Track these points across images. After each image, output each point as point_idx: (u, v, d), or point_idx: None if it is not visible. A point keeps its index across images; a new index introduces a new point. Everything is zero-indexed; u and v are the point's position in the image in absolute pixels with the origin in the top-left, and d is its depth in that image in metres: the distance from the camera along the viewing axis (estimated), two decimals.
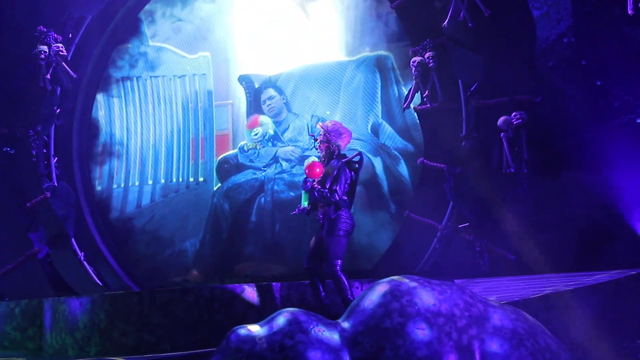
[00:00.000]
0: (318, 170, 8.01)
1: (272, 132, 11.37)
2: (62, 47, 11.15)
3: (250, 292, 8.48)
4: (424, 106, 10.53)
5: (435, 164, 10.41)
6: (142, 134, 12.02)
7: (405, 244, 10.38)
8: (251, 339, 7.22)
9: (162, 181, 11.80)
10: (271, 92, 11.53)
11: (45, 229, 11.12)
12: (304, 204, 8.02)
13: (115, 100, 12.12)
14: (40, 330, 9.07)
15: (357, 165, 8.13)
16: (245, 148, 11.49)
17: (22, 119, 11.33)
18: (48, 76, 11.16)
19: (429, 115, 10.51)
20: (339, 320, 7.42)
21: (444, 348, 7.01)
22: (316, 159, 8.20)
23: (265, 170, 11.38)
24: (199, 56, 11.96)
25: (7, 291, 10.68)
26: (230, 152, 11.67)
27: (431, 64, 10.37)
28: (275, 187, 11.24)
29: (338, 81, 11.22)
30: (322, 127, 8.19)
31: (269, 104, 11.49)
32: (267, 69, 11.64)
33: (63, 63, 11.20)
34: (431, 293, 7.22)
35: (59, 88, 11.29)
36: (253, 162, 11.47)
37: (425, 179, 10.54)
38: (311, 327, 7.22)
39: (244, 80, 11.63)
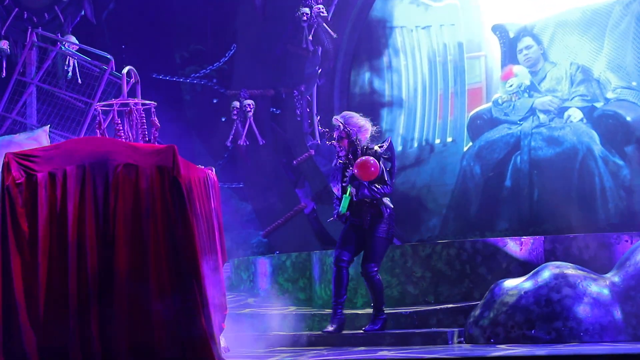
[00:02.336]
0: (373, 169, 7.22)
1: (528, 83, 10.92)
2: (322, 8, 11.43)
3: (512, 246, 8.38)
4: None
5: None
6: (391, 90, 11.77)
7: None
8: (516, 292, 7.16)
9: (399, 147, 11.37)
10: (528, 40, 11.00)
11: (310, 185, 11.58)
12: (344, 209, 7.37)
13: None
14: (310, 281, 9.50)
15: (390, 154, 7.47)
16: (500, 101, 11.03)
17: (287, 80, 11.80)
18: (310, 37, 11.52)
19: None
20: (608, 275, 7.17)
21: None
22: (369, 159, 7.29)
23: (521, 124, 10.82)
24: (446, 5, 11.62)
25: (278, 244, 11.25)
26: (483, 106, 11.25)
27: None
28: (533, 143, 10.65)
29: (602, 25, 10.56)
30: (339, 121, 7.45)
31: (526, 54, 10.99)
32: (522, 17, 11.14)
33: (324, 24, 11.50)
34: None
35: (320, 48, 11.61)
36: (508, 115, 10.98)
37: None
38: (578, 281, 7.04)
39: (498, 29, 11.16)
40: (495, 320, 7.11)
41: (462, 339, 7.40)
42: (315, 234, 11.28)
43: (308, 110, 11.72)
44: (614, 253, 8.00)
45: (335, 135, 7.41)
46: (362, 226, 7.46)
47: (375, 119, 7.97)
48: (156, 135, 6.71)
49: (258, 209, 11.61)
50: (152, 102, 6.83)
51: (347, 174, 7.38)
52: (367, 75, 11.78)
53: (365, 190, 7.35)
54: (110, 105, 6.78)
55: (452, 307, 8.01)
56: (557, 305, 6.93)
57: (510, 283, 7.31)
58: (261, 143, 11.63)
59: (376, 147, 7.45)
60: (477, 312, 7.34)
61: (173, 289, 5.56)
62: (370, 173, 7.19)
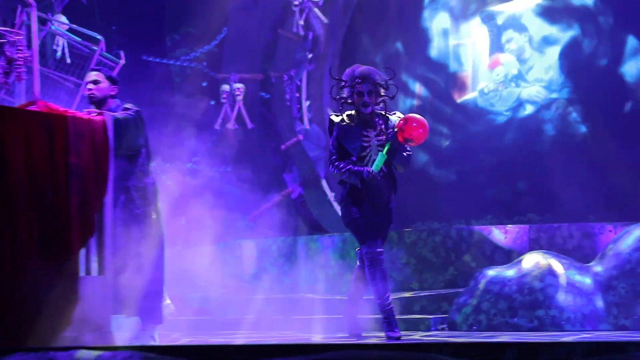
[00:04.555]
0: (422, 130, 6.15)
1: (515, 72, 10.92)
2: None
3: (497, 234, 8.43)
4: None
5: None
6: None
7: None
8: (500, 280, 7.21)
9: None
10: (514, 30, 11.03)
11: (298, 170, 11.60)
12: (378, 167, 6.10)
13: None
14: (295, 266, 9.53)
15: None
16: (486, 90, 11.03)
17: (277, 65, 11.80)
18: (301, 22, 11.53)
19: None
20: (591, 264, 7.22)
21: None
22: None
23: (507, 114, 10.83)
24: None
25: (264, 229, 11.27)
26: (469, 95, 11.26)
27: None
28: (519, 133, 10.67)
29: None
30: (368, 72, 6.26)
31: (512, 42, 10.99)
32: (510, 5, 11.13)
33: (315, 9, 11.50)
34: None
35: (311, 34, 11.61)
36: (494, 105, 10.99)
37: None
38: (561, 270, 7.09)
39: (486, 16, 11.17)
40: (478, 307, 7.17)
41: (446, 325, 7.45)
42: (302, 219, 11.31)
43: (297, 95, 11.72)
44: (597, 243, 8.08)
45: (363, 89, 6.19)
46: (381, 202, 6.22)
47: None
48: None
49: (245, 192, 11.63)
50: None
51: (367, 133, 6.21)
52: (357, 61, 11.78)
53: (406, 153, 6.26)
54: None
55: (435, 293, 8.06)
56: (540, 294, 6.98)
57: (494, 271, 7.36)
58: (250, 127, 11.65)
59: (396, 115, 6.36)
60: (460, 299, 7.39)
61: None
62: (420, 135, 6.15)
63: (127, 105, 6.15)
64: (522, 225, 8.57)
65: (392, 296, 6.30)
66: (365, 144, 6.22)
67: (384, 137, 6.21)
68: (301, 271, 9.36)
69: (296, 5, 11.42)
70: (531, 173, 10.39)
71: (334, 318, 7.72)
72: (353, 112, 6.31)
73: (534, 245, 8.28)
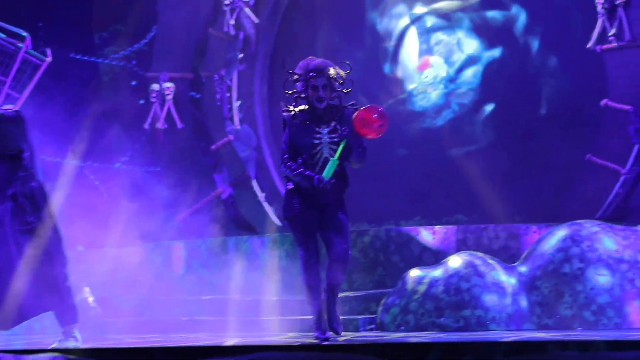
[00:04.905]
0: (382, 123, 5.93)
1: (443, 74, 11.01)
2: None
3: (426, 235, 8.51)
4: (610, 45, 10.09)
5: (619, 105, 9.98)
6: None
7: (585, 189, 10.06)
8: (427, 281, 7.28)
9: None
10: (443, 32, 11.12)
11: (228, 171, 11.54)
12: (328, 174, 5.88)
13: None
14: (225, 266, 9.47)
15: None
16: (415, 92, 11.11)
17: (207, 64, 11.73)
18: (232, 22, 11.48)
19: (616, 55, 10.05)
20: (516, 265, 7.34)
21: (627, 295, 6.81)
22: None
23: (436, 116, 10.93)
24: None
25: (194, 229, 11.18)
26: (399, 97, 11.32)
27: (618, 1, 9.92)
28: (447, 135, 10.80)
29: None
30: (326, 65, 6.05)
31: (440, 44, 11.07)
32: (439, 7, 11.21)
33: (246, 9, 11.47)
34: (613, 238, 7.01)
35: (242, 33, 11.57)
36: (423, 107, 11.06)
37: (608, 121, 10.13)
38: (487, 270, 7.19)
39: (415, 18, 11.22)
40: (406, 307, 7.23)
41: (374, 326, 7.50)
42: (232, 219, 11.26)
43: (228, 95, 11.67)
44: (523, 243, 8.22)
45: (318, 82, 5.96)
46: (327, 203, 6.02)
47: None
48: None
49: (175, 193, 11.52)
50: None
51: (319, 130, 6.01)
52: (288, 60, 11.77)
53: (359, 151, 6.00)
54: None
55: (364, 294, 8.10)
56: (466, 294, 7.08)
57: (421, 272, 7.43)
58: (180, 127, 11.56)
59: (351, 106, 6.15)
60: (388, 299, 7.44)
61: None
62: (382, 127, 5.89)
63: (7, 107, 6.02)
64: (450, 226, 8.67)
65: (322, 298, 6.17)
66: (317, 142, 5.98)
67: (338, 134, 5.98)
68: (231, 272, 9.30)
69: (227, 5, 11.37)
70: (459, 174, 10.51)
71: (263, 320, 7.71)
72: (306, 106, 6.06)
73: (461, 245, 8.38)
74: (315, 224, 6.02)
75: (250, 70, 11.72)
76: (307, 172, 5.92)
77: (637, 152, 9.92)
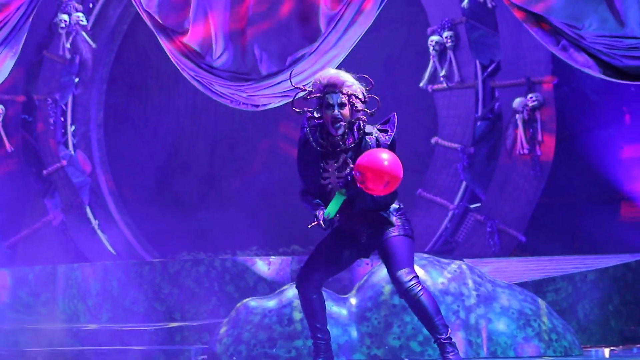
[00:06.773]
0: (388, 183, 4.77)
1: None
2: (82, 16, 11.22)
3: (261, 265, 8.57)
4: (440, 85, 10.58)
5: (449, 143, 10.46)
6: None
7: (415, 223, 10.43)
8: (260, 311, 7.32)
9: None
10: None
11: (60, 197, 11.25)
12: (332, 212, 4.96)
13: None
14: (54, 295, 9.20)
15: (394, 143, 5.10)
16: None
17: (41, 87, 11.42)
18: (68, 45, 11.25)
19: (445, 95, 10.55)
20: (348, 296, 7.50)
21: (451, 326, 7.06)
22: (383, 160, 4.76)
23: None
24: None
25: (22, 256, 10.82)
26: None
27: (449, 44, 10.42)
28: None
29: None
30: (342, 78, 4.90)
31: None
32: None
33: (83, 32, 11.28)
34: (440, 271, 7.29)
35: (78, 57, 11.36)
36: None
37: (438, 158, 10.58)
38: None
39: None
40: (239, 338, 7.23)
41: (206, 356, 7.45)
42: (63, 247, 10.97)
43: (62, 119, 11.42)
44: (355, 275, 8.39)
45: (333, 100, 4.87)
46: (359, 239, 5.26)
47: None
48: None
49: (3, 218, 11.12)
50: None
51: (326, 167, 5.04)
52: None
53: (369, 199, 4.97)
54: None
55: (197, 324, 8.05)
56: (299, 324, 7.15)
57: (255, 302, 7.46)
58: (10, 150, 11.18)
59: (376, 131, 5.02)
60: (221, 329, 7.42)
61: None
62: (386, 185, 4.77)
63: None
64: (285, 257, 8.76)
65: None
66: (325, 182, 5.04)
67: (345, 174, 4.95)
68: (59, 301, 9.03)
69: (62, 28, 11.13)
70: (295, 206, 10.65)
71: (93, 350, 7.54)
72: (319, 130, 5.01)
73: (295, 276, 8.46)
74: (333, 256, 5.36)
75: (86, 95, 11.51)
76: (311, 210, 5.09)
77: (465, 189, 10.44)
